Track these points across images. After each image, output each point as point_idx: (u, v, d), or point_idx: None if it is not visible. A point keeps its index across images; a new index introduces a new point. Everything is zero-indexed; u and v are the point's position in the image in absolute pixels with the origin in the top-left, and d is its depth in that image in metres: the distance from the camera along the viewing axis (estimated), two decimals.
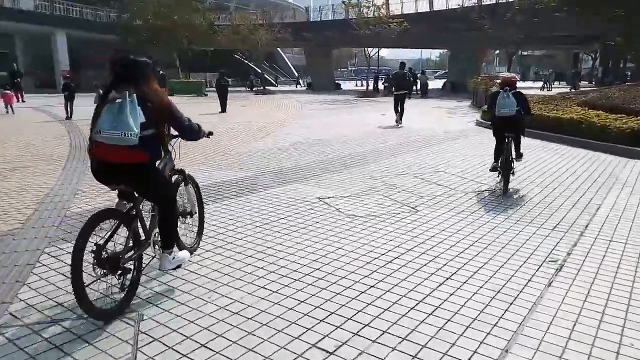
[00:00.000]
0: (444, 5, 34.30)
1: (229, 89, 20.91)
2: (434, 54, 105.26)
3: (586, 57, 58.28)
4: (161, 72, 16.86)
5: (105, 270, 2.82)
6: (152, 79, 3.07)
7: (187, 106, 22.45)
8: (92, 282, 2.81)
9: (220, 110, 19.30)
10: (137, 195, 3.11)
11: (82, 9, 39.83)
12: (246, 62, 57.21)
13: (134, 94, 2.81)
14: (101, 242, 2.83)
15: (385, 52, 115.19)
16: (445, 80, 43.56)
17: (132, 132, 2.71)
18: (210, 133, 3.75)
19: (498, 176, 6.56)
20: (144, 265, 3.26)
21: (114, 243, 2.94)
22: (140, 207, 3.18)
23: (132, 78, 2.92)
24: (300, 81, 58.22)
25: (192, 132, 3.34)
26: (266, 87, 38.53)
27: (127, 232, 3.00)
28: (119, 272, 2.91)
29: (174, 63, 42.91)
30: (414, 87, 29.44)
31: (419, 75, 31.38)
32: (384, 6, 31.81)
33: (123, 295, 2.98)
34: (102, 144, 2.79)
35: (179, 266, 3.33)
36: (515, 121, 6.27)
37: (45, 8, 37.58)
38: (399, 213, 5.22)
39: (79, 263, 2.65)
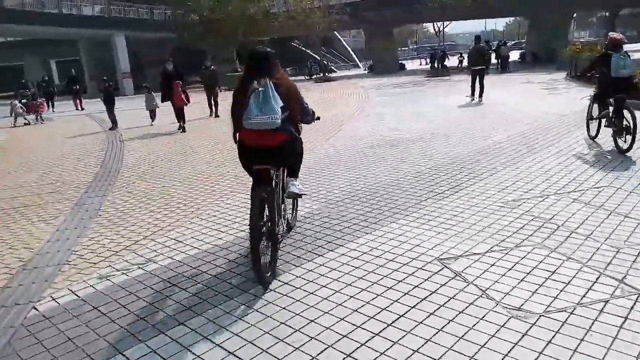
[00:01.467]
0: None
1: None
2: (499, 23, 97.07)
3: None
4: (212, 67, 14.98)
5: (265, 242, 3.18)
6: (279, 67, 3.42)
7: None
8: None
9: None
10: (271, 173, 3.37)
11: (138, 9, 39.44)
12: (303, 49, 55.34)
13: (271, 82, 3.14)
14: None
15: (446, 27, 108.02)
16: (522, 50, 38.93)
17: (276, 115, 3.08)
18: (318, 118, 3.98)
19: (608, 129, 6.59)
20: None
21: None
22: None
23: (267, 68, 3.26)
24: (360, 64, 55.31)
25: (309, 115, 3.79)
26: (326, 74, 36.21)
27: (271, 206, 3.25)
28: (273, 242, 3.26)
29: (232, 57, 41.82)
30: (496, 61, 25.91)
31: (501, 46, 27.49)
32: None
33: (271, 262, 3.26)
34: (251, 131, 3.17)
35: (300, 195, 3.67)
36: (631, 83, 6.45)
37: (104, 11, 37.51)
38: (606, 302, 2.76)
39: (258, 240, 3.03)
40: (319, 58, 39.77)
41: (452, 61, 32.52)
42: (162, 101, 12.17)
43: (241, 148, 3.33)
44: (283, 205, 3.69)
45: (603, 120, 6.74)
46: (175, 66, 12.04)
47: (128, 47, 37.84)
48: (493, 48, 26.76)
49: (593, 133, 7.11)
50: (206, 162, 7.76)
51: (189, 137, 10.73)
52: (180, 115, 11.74)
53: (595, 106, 6.96)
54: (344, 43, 64.89)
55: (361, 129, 9.97)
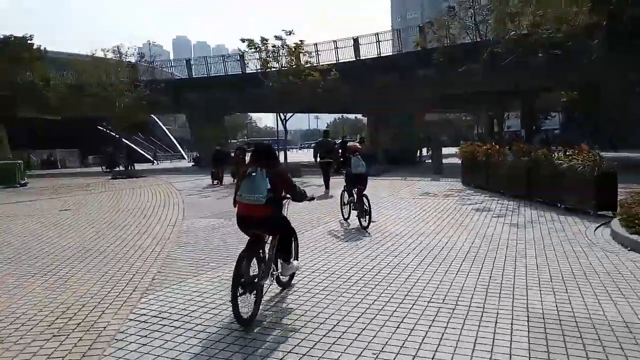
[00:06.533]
0: (375, 52, 26.46)
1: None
2: (320, 123, 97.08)
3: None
4: None
5: (244, 290, 3.94)
6: (277, 160, 4.69)
7: None
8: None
9: None
10: (264, 238, 4.37)
11: None
12: (112, 133, 45.10)
13: (264, 170, 4.17)
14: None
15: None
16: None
17: (261, 195, 4.10)
18: (312, 198, 4.82)
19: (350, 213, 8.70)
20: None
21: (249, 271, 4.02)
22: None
23: (265, 160, 4.31)
24: (185, 156, 47.37)
25: (298, 195, 4.52)
26: (133, 166, 26.97)
27: (257, 264, 4.19)
28: (254, 291, 4.07)
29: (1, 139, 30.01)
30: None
31: (348, 142, 22.18)
32: (298, 51, 22.61)
33: (254, 308, 4.03)
34: (242, 204, 4.22)
35: (294, 274, 4.83)
36: (365, 177, 8.51)
37: None
38: None
39: (236, 289, 3.83)
40: (127, 143, 30.10)
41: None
42: None
43: (237, 216, 4.35)
44: (272, 264, 4.41)
45: (351, 205, 8.63)
46: None
47: None
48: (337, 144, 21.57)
49: (346, 216, 8.78)
50: None
51: None
52: None
53: (346, 194, 8.73)
54: (165, 130, 56.43)
55: None
